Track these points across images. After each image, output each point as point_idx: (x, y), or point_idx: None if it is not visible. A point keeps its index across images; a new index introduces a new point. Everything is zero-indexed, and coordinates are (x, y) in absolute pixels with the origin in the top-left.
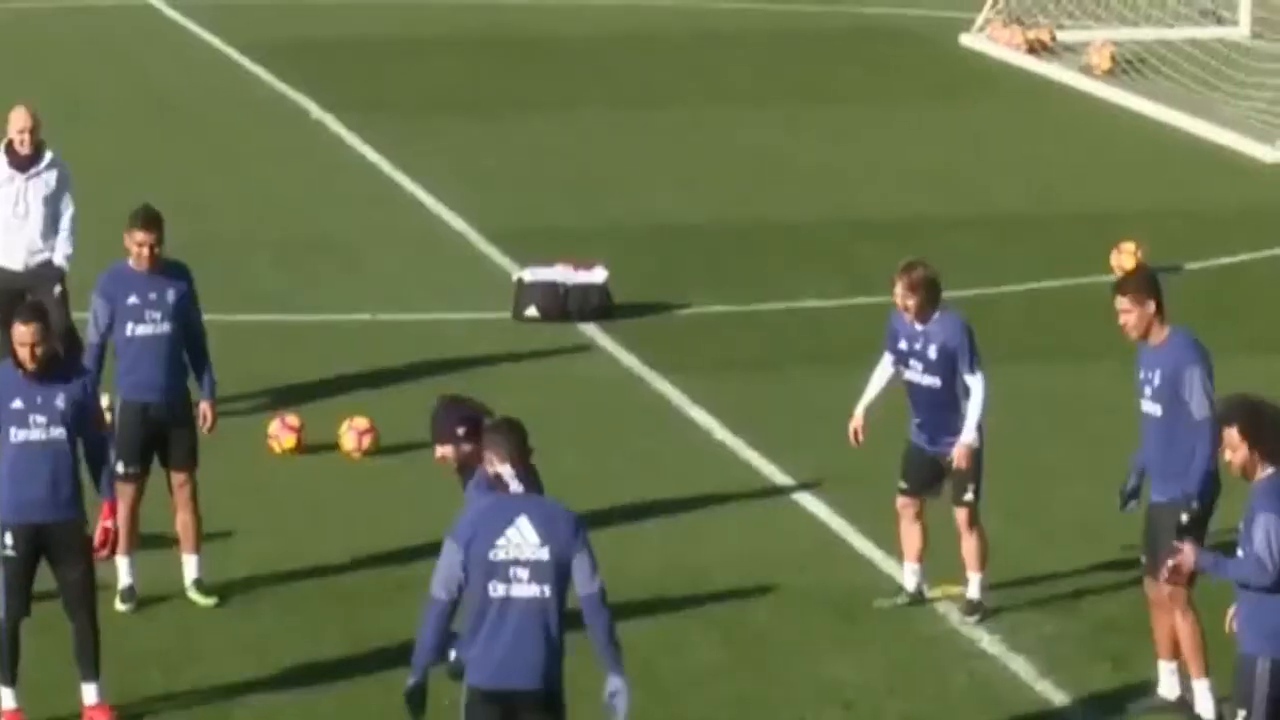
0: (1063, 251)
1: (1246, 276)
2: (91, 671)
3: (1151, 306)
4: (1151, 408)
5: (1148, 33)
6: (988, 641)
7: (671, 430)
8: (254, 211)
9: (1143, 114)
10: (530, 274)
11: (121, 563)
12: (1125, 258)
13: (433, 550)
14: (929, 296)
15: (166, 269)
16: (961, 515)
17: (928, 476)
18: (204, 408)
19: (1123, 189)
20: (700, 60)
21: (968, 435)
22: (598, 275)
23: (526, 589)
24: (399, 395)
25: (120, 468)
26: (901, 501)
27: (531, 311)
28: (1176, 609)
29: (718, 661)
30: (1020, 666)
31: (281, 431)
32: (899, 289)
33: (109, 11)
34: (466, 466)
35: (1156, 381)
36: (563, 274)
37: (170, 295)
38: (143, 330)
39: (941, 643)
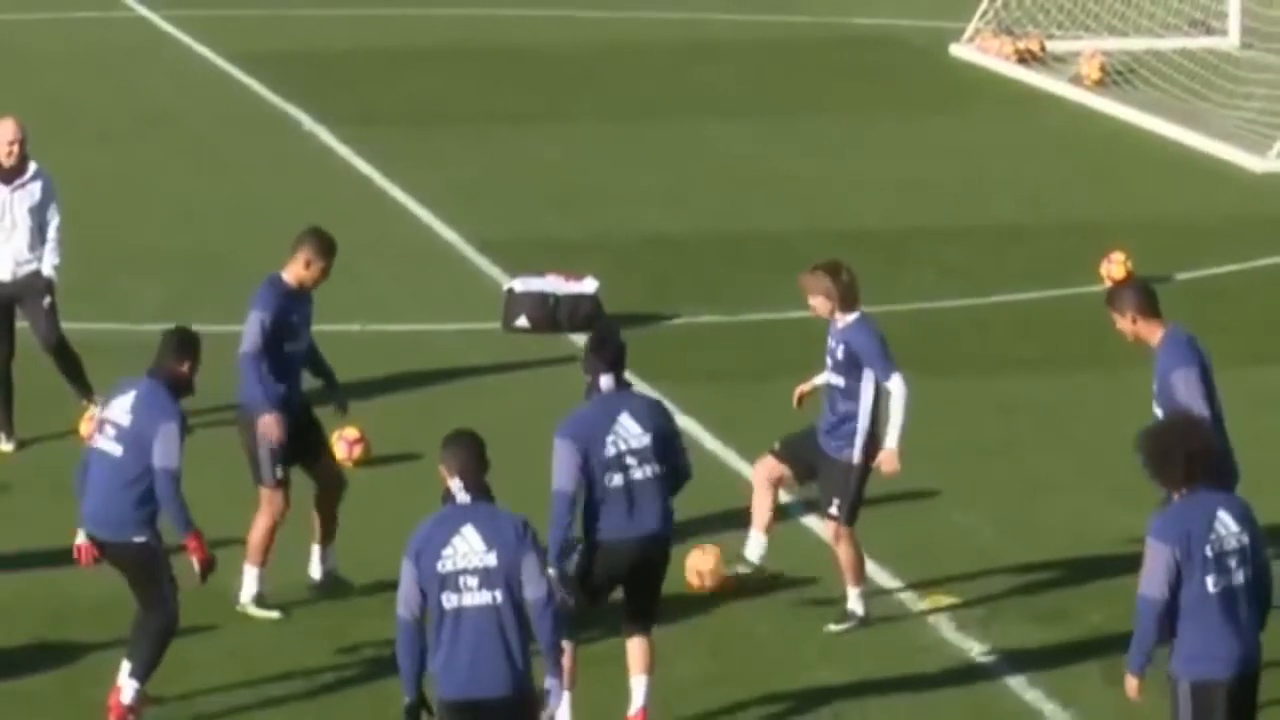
0: (1053, 262)
1: (1236, 287)
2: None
3: (1129, 316)
4: (1156, 410)
5: (1137, 43)
6: (976, 651)
7: None
8: (245, 222)
9: (1132, 124)
10: (520, 284)
11: (252, 573)
12: (1115, 268)
13: None
14: (839, 298)
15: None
16: (829, 528)
17: (806, 459)
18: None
19: (1112, 199)
20: (690, 71)
21: (892, 441)
22: (588, 286)
23: (478, 597)
24: (389, 405)
25: (279, 471)
26: (764, 461)
27: (521, 322)
28: None
29: (706, 672)
30: (1010, 676)
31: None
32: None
33: (100, 23)
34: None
35: (1155, 386)
36: (553, 285)
37: (309, 313)
38: (291, 347)
39: (931, 652)
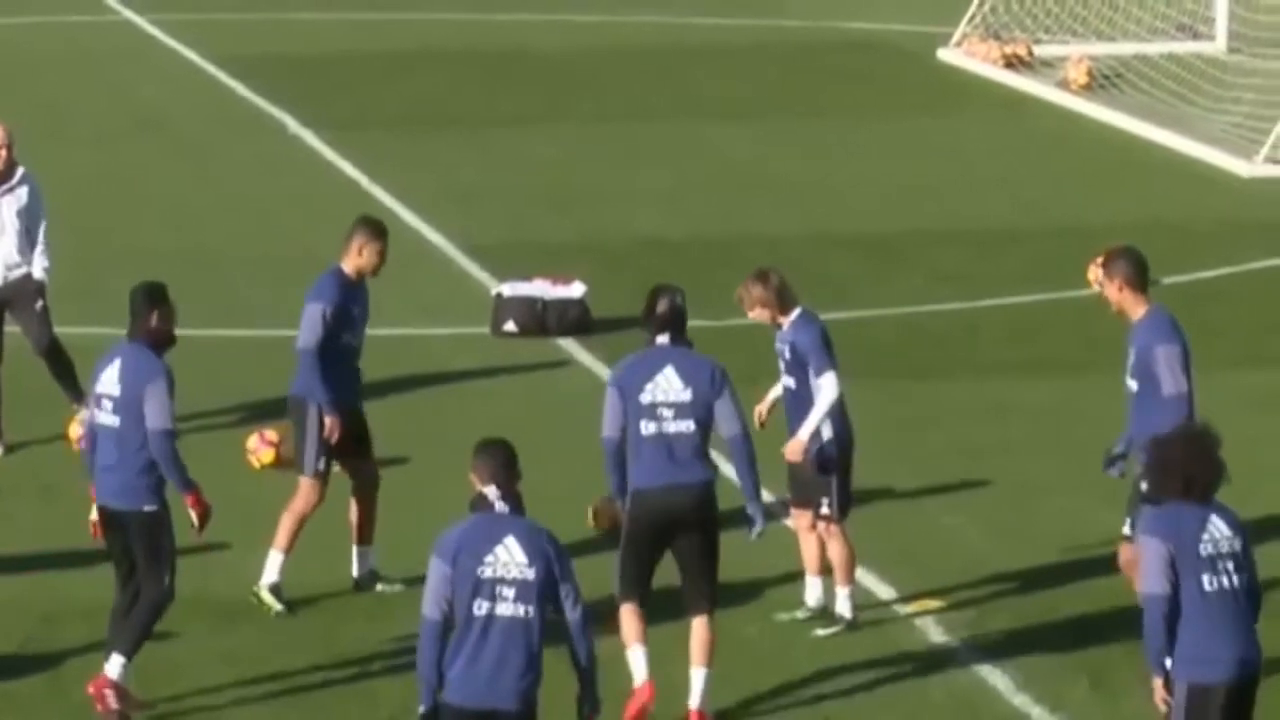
0: (1041, 266)
1: (1224, 290)
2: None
3: (1118, 285)
4: (1130, 383)
5: (1124, 47)
6: (965, 655)
7: None
8: (233, 226)
9: (1120, 128)
10: (508, 289)
11: (276, 558)
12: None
13: (411, 564)
14: (775, 302)
15: (366, 284)
16: (823, 529)
17: (799, 477)
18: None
19: (1101, 203)
20: (681, 74)
21: (803, 432)
22: (575, 290)
23: (511, 608)
24: (378, 410)
25: (322, 463)
26: (793, 513)
27: (510, 326)
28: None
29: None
30: (999, 680)
31: (260, 446)
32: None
33: (87, 27)
34: None
35: (1132, 359)
36: (541, 289)
37: (368, 306)
38: (349, 339)
39: (920, 657)
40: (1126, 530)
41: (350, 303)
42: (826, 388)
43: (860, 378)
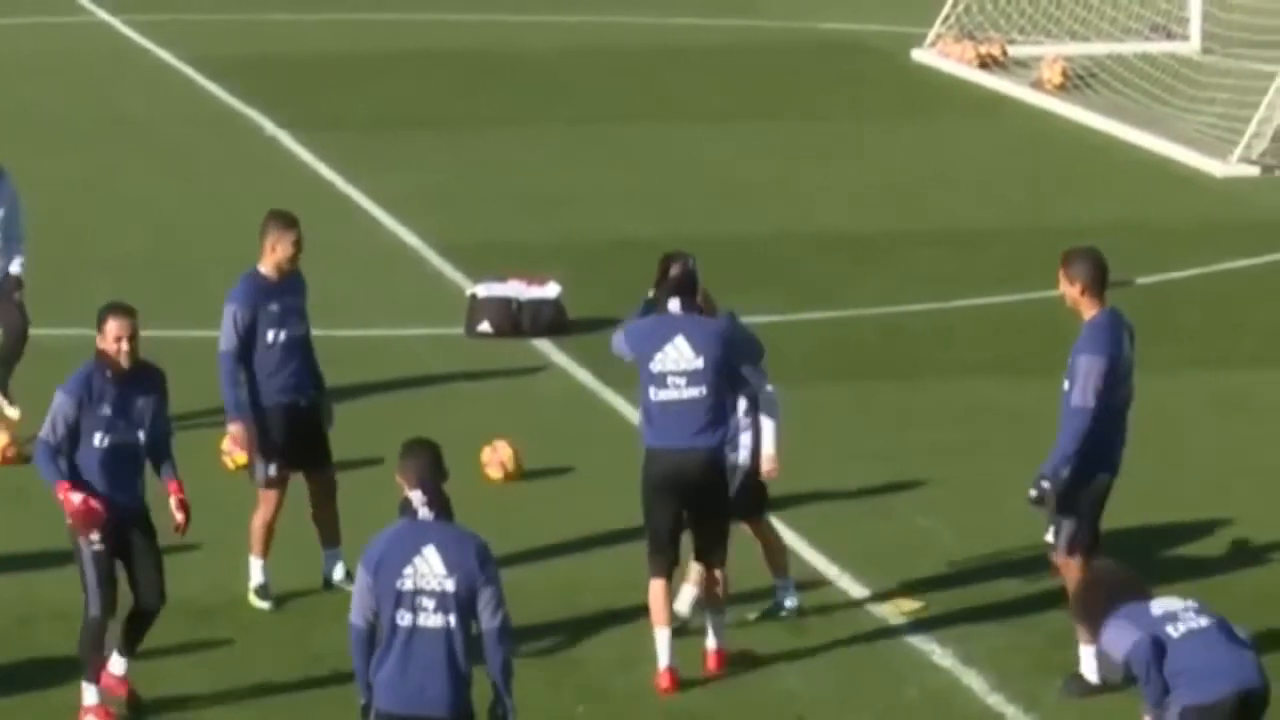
0: (1015, 266)
1: (1198, 291)
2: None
3: (1077, 287)
4: (1064, 383)
5: (1099, 47)
6: (939, 655)
7: (625, 445)
8: (208, 228)
9: (1095, 128)
10: (483, 289)
11: (256, 563)
12: None
13: None
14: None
15: (296, 275)
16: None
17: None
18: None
19: (1075, 203)
20: (656, 76)
21: (770, 445)
22: (550, 290)
23: (433, 619)
24: (352, 411)
25: (273, 470)
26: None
27: (484, 327)
28: (1068, 572)
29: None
30: (972, 680)
31: (234, 447)
32: None
33: (63, 28)
34: None
35: (1071, 358)
36: (515, 289)
37: (298, 301)
38: (279, 336)
39: (893, 656)
40: (1049, 538)
41: (269, 300)
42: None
43: (834, 379)
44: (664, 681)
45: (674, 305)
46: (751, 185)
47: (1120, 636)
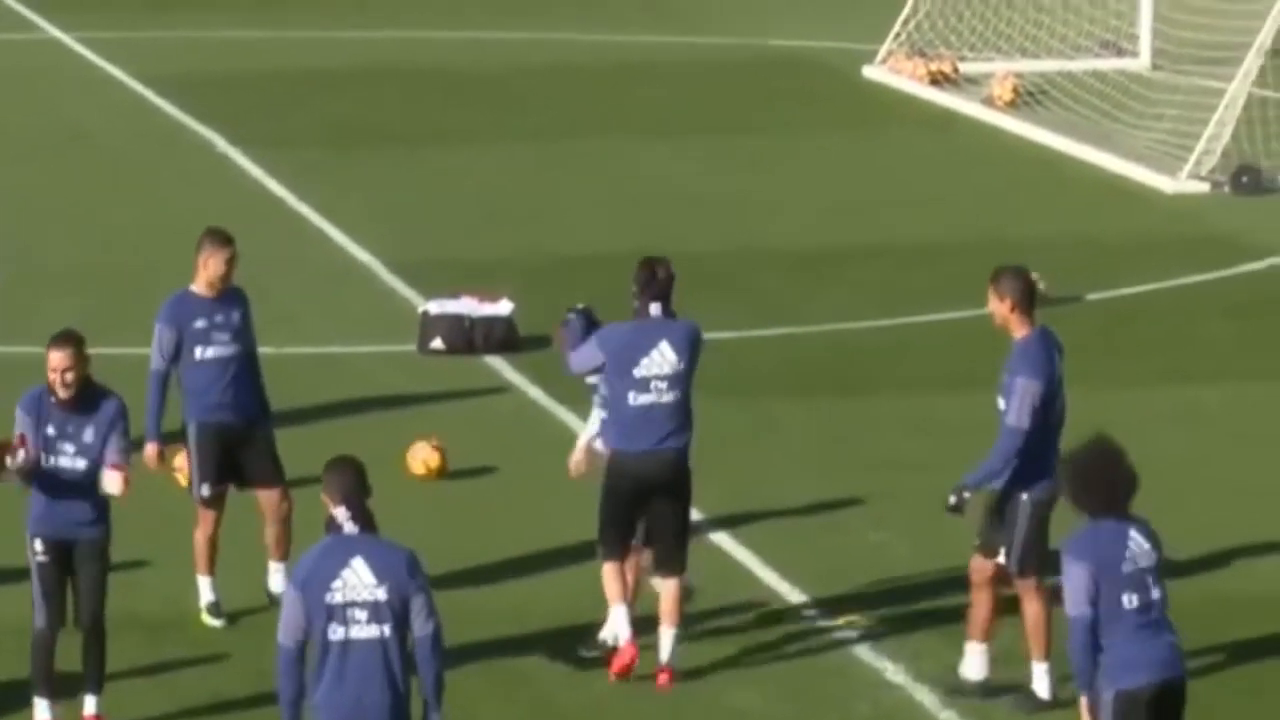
0: (967, 282)
1: (1147, 307)
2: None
3: (1008, 304)
4: (999, 400)
5: (1049, 64)
6: (891, 671)
7: None
8: (159, 244)
9: (1045, 145)
10: (435, 306)
11: (203, 581)
12: None
13: None
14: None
15: (232, 292)
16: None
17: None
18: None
19: (1026, 219)
20: (609, 92)
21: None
22: (503, 308)
23: (366, 630)
24: (301, 430)
25: (205, 490)
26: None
27: (437, 344)
28: (1025, 592)
29: (619, 693)
30: (924, 696)
31: (187, 464)
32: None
33: (13, 45)
34: None
35: (1004, 377)
36: (467, 306)
37: (235, 318)
38: (209, 354)
39: (845, 672)
40: (975, 542)
41: (196, 318)
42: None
43: (786, 394)
44: (626, 656)
45: (655, 309)
46: (705, 201)
47: (1074, 592)
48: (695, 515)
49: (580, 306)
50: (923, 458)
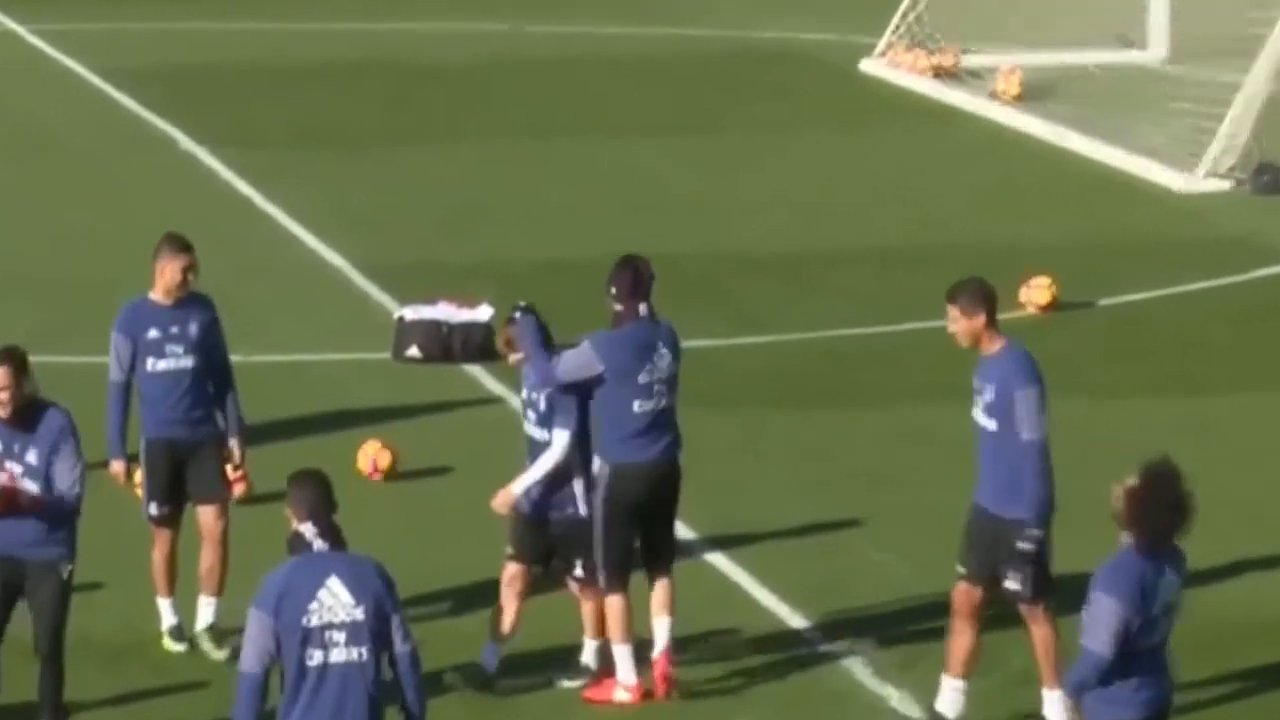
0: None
1: (1155, 313)
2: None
3: (982, 319)
4: (986, 421)
5: (1058, 57)
6: (897, 699)
7: None
8: (121, 246)
9: (1052, 142)
10: (411, 312)
11: (163, 603)
12: (1038, 293)
13: None
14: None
15: (192, 301)
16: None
17: (531, 541)
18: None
19: (1032, 220)
20: (586, 88)
21: (516, 483)
22: (482, 313)
23: (344, 653)
24: (272, 441)
25: (153, 509)
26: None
27: (413, 352)
28: (1035, 618)
29: (612, 715)
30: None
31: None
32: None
33: None
34: None
35: (990, 396)
36: (445, 312)
37: (193, 329)
38: (162, 366)
39: (847, 698)
40: (960, 569)
41: (149, 327)
42: (558, 438)
43: (773, 405)
44: (637, 695)
45: (644, 310)
46: (684, 203)
47: (1102, 630)
48: (687, 534)
49: (524, 304)
50: (915, 471)
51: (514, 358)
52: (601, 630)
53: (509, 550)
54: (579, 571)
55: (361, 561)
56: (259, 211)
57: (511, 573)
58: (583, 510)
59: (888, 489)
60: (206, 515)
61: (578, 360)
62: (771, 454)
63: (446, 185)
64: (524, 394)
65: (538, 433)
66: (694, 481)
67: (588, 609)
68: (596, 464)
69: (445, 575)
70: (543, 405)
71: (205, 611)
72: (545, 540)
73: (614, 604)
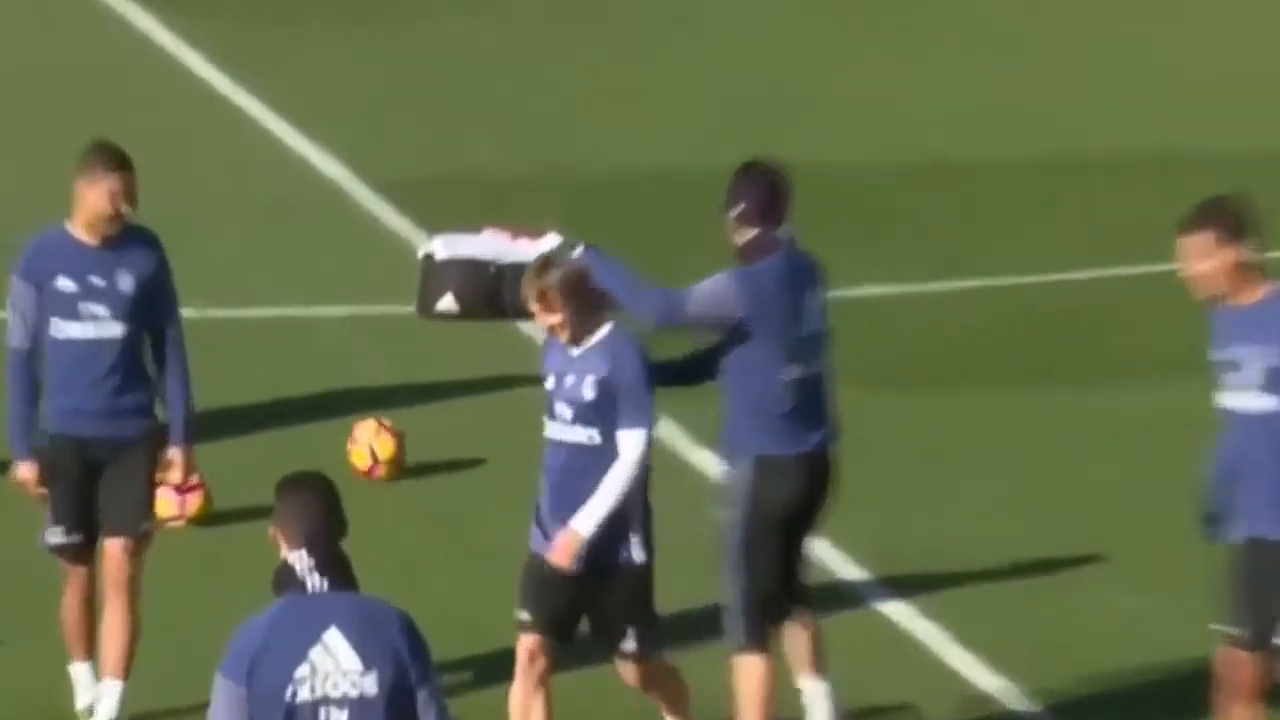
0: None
1: None
2: None
3: (1235, 256)
4: (1243, 401)
5: None
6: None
7: (663, 481)
8: (45, 162)
9: None
10: (443, 246)
11: (79, 670)
12: None
13: None
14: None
15: (129, 239)
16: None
17: (558, 602)
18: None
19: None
20: None
21: (579, 520)
22: (546, 246)
23: None
24: (240, 433)
25: (58, 535)
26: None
27: (447, 304)
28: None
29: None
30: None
31: None
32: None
33: None
34: None
35: (1256, 361)
36: (493, 246)
37: (125, 280)
38: (75, 331)
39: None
40: (1232, 630)
41: (60, 273)
42: (632, 445)
43: (958, 382)
44: None
45: (785, 234)
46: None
47: None
48: (841, 562)
49: (578, 242)
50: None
51: (550, 319)
52: (681, 712)
53: (523, 615)
54: (631, 644)
55: (374, 608)
56: (221, 100)
57: (530, 648)
58: (637, 555)
59: (1130, 505)
60: (113, 553)
61: (715, 291)
62: (960, 450)
63: (481, 63)
64: (550, 382)
65: (573, 433)
66: (850, 487)
67: (655, 696)
68: (722, 465)
69: (481, 618)
70: (588, 393)
71: (106, 702)
72: (579, 597)
73: (752, 669)
